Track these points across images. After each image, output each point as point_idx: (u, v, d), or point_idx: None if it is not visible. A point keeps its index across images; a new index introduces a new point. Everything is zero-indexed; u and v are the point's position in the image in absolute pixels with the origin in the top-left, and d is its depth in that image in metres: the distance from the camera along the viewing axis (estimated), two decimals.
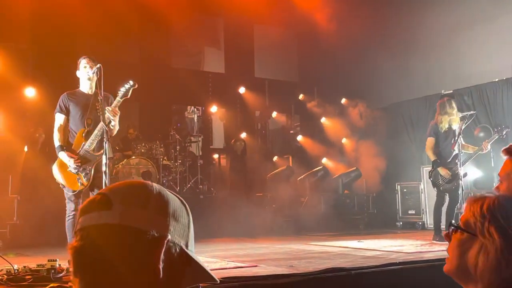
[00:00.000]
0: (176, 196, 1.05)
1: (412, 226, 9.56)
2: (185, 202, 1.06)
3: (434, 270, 3.92)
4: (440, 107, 6.69)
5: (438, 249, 5.42)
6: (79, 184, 4.70)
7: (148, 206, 0.99)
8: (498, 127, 6.77)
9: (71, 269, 0.98)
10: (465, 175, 6.54)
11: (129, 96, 4.86)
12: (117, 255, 0.95)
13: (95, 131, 4.68)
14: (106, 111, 4.66)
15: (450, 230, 1.28)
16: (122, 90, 4.83)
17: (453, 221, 1.30)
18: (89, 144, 4.75)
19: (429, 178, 6.82)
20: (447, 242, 1.29)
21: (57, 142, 4.78)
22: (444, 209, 6.70)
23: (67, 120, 4.86)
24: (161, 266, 0.96)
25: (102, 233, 0.95)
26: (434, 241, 6.45)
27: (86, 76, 4.83)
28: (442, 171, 6.55)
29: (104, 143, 4.25)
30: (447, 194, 6.69)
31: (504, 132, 6.65)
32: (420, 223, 9.41)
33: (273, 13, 11.25)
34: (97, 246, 0.95)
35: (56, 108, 4.90)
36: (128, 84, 4.81)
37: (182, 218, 1.03)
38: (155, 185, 1.04)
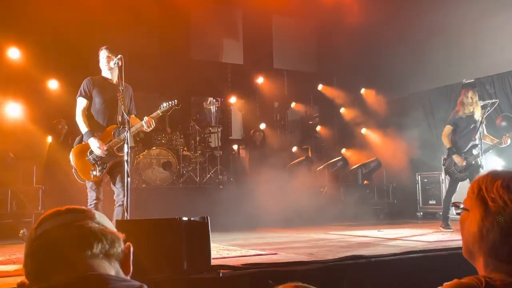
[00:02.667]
0: None
1: (433, 217, 9.49)
2: None
3: (455, 258, 3.90)
4: (463, 96, 6.66)
5: (458, 238, 5.38)
6: (92, 175, 4.76)
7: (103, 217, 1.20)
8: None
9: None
10: (479, 165, 6.53)
11: (169, 113, 4.91)
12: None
13: (125, 134, 4.63)
14: (143, 123, 4.73)
15: (456, 210, 1.35)
16: (165, 105, 4.88)
17: (447, 214, 1.41)
18: (115, 143, 4.82)
19: (443, 165, 6.85)
20: (452, 229, 1.37)
21: (84, 128, 4.82)
22: (453, 199, 6.74)
23: (89, 105, 4.91)
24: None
25: (73, 228, 1.10)
26: (441, 228, 6.55)
27: (107, 66, 4.91)
28: (456, 158, 6.57)
29: (126, 132, 4.31)
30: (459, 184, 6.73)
31: None
32: (441, 213, 9.32)
33: (292, 3, 11.21)
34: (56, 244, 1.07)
35: (78, 92, 4.94)
36: (173, 102, 4.85)
37: None
38: None
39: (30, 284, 1.06)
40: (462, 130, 6.63)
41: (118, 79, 4.83)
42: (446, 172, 6.84)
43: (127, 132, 4.23)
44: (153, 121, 4.83)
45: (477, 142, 6.51)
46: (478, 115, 6.55)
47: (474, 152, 6.53)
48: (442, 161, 6.95)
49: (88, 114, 4.91)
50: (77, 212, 1.13)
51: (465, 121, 6.60)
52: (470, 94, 6.63)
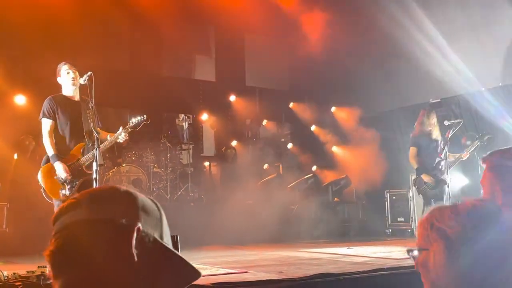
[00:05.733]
0: (147, 197, 1.10)
1: (402, 234, 9.63)
2: (156, 201, 1.11)
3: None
4: (424, 117, 6.88)
5: None
6: (61, 194, 4.70)
7: (115, 201, 1.04)
8: (479, 134, 6.96)
9: (50, 276, 1.02)
10: (444, 182, 6.70)
11: (138, 129, 4.93)
12: (90, 248, 0.98)
13: (93, 151, 4.67)
14: (120, 137, 4.73)
15: (411, 257, 1.32)
16: (134, 121, 4.89)
17: (408, 248, 1.36)
18: (84, 161, 4.77)
19: (414, 185, 6.97)
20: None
21: (51, 151, 4.75)
22: None
23: (55, 125, 4.84)
24: (135, 252, 1.00)
25: (73, 231, 1.00)
26: None
27: (70, 82, 4.85)
28: (425, 177, 6.72)
29: (95, 150, 4.27)
30: (433, 201, 6.82)
31: (486, 138, 6.85)
32: (409, 230, 9.49)
33: (264, 22, 11.35)
34: (70, 244, 0.99)
35: (41, 113, 4.85)
36: (142, 117, 4.87)
37: (153, 212, 1.07)
38: (123, 186, 1.09)
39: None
40: (425, 149, 6.84)
41: (85, 96, 4.83)
42: (419, 192, 6.94)
43: (96, 149, 4.20)
44: (126, 134, 4.86)
45: (442, 159, 6.72)
46: (436, 134, 6.79)
47: (442, 168, 6.73)
48: (412, 182, 7.07)
49: (55, 134, 4.84)
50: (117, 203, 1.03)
51: (427, 140, 6.82)
52: (432, 114, 6.87)
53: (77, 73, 4.80)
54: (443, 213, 1.25)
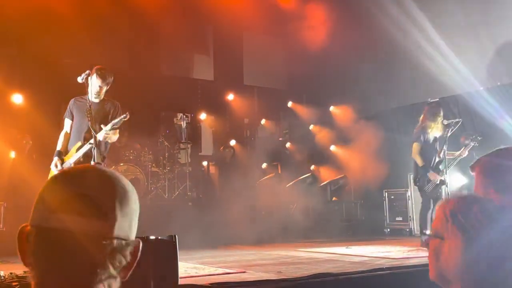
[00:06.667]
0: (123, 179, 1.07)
1: (400, 233, 9.63)
2: (132, 187, 1.07)
3: (420, 275, 3.97)
4: (429, 113, 6.79)
5: (424, 255, 5.47)
6: None
7: (127, 211, 1.02)
8: (472, 136, 6.93)
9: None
10: (443, 182, 6.64)
11: (118, 126, 4.98)
12: (89, 256, 0.97)
13: (83, 149, 4.78)
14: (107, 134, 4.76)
15: (424, 238, 1.34)
16: (117, 120, 4.91)
17: (425, 230, 1.36)
18: (73, 159, 4.82)
19: (416, 183, 6.86)
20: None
21: (57, 147, 5.01)
22: (429, 215, 6.76)
23: (71, 125, 5.11)
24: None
25: (78, 236, 0.95)
26: (422, 247, 6.50)
27: (98, 93, 4.97)
28: (432, 176, 6.61)
29: (93, 149, 4.27)
30: (432, 200, 6.75)
31: (479, 139, 6.85)
32: (408, 229, 9.49)
33: (262, 21, 11.33)
34: (69, 248, 0.95)
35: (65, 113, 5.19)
36: (125, 115, 4.90)
37: (137, 206, 1.06)
38: (117, 174, 1.05)
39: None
40: (427, 146, 6.78)
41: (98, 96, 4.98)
42: (420, 190, 6.85)
43: (94, 148, 4.20)
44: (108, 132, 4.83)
45: (441, 158, 6.68)
46: (437, 133, 6.75)
47: (441, 167, 6.68)
48: (414, 180, 6.96)
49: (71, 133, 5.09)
50: (97, 200, 0.97)
51: (430, 137, 6.76)
52: (437, 111, 6.80)
53: (83, 74, 4.87)
54: (470, 210, 1.22)
